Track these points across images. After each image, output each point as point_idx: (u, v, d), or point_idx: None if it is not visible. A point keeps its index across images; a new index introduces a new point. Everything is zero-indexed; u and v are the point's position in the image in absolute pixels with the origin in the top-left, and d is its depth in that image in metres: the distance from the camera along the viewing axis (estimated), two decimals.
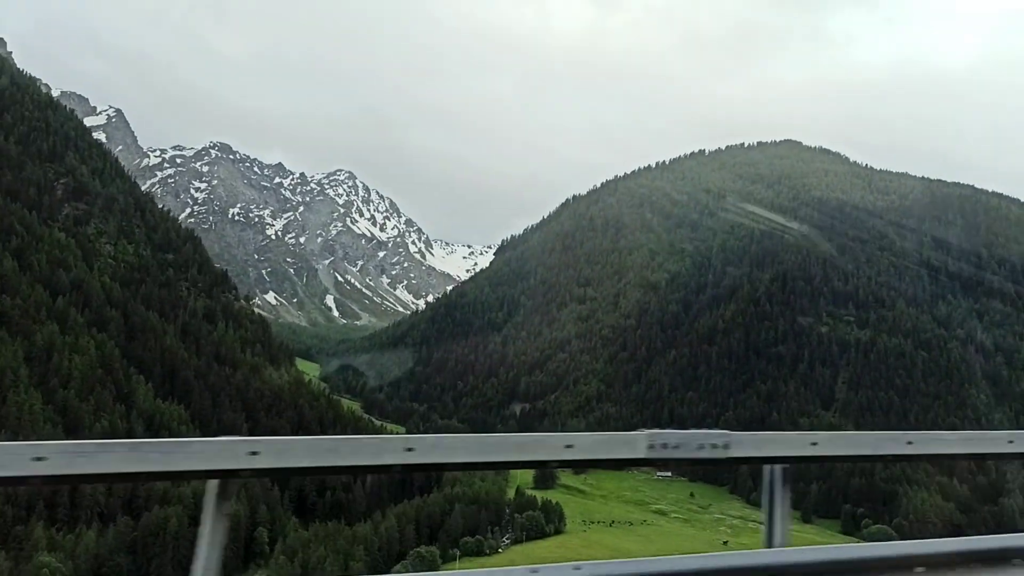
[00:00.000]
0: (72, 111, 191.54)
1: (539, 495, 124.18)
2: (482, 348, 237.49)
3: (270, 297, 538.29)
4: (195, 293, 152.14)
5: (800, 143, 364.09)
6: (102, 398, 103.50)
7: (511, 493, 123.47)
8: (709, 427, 3.93)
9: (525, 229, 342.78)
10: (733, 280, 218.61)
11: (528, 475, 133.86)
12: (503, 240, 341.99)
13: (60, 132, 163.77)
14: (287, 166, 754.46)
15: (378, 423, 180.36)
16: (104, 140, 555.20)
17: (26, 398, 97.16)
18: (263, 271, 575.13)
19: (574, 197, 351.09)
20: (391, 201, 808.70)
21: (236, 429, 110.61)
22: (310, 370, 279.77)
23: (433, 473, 66.10)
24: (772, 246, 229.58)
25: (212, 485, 3.25)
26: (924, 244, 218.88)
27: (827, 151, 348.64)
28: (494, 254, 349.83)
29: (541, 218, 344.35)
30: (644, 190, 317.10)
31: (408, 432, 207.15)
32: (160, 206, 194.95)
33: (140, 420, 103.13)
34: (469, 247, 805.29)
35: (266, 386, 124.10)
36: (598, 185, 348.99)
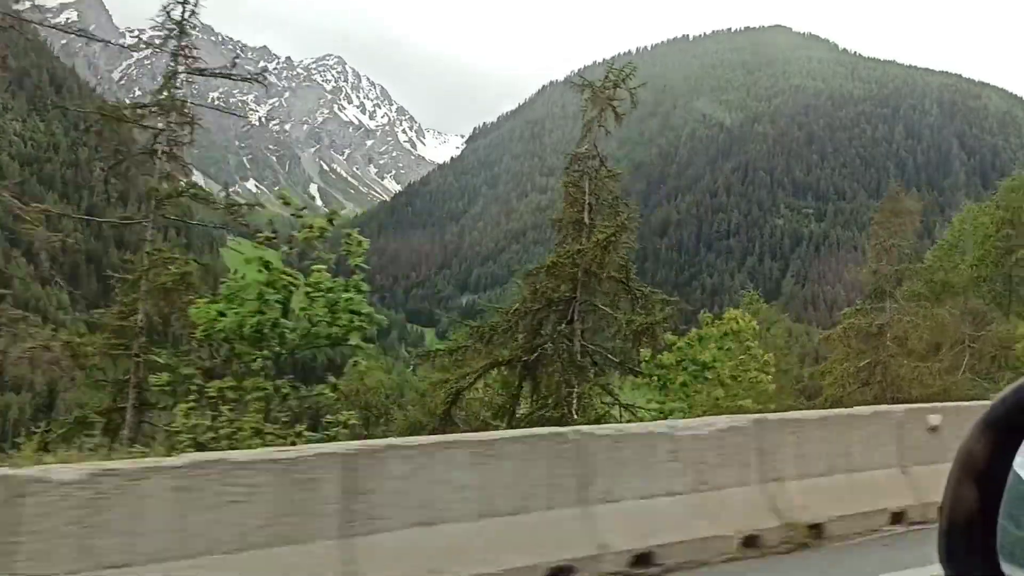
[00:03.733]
0: None
1: None
2: (439, 238, 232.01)
3: (250, 185, 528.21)
4: (107, 175, 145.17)
5: (790, 29, 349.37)
6: None
7: None
8: None
9: (499, 116, 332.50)
10: (696, 171, 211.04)
11: None
12: (475, 128, 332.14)
13: None
14: (273, 50, 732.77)
15: None
16: (76, 18, 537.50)
17: None
18: (244, 158, 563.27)
19: (551, 83, 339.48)
20: (382, 88, 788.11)
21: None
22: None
23: None
24: (740, 135, 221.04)
25: None
26: (895, 134, 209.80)
27: (816, 37, 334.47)
28: (465, 142, 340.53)
29: (517, 104, 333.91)
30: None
31: None
32: (88, 84, 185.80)
33: (13, 302, 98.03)
34: (463, 136, 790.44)
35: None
36: (575, 71, 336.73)
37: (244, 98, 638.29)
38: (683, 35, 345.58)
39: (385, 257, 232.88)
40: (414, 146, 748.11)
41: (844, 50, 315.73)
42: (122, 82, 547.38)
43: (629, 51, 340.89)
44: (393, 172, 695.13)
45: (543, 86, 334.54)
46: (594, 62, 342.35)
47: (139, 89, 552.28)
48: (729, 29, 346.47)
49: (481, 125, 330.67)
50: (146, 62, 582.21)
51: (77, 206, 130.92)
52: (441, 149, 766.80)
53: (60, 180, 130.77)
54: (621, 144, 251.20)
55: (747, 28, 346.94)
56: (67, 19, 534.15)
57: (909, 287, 31.30)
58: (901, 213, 31.43)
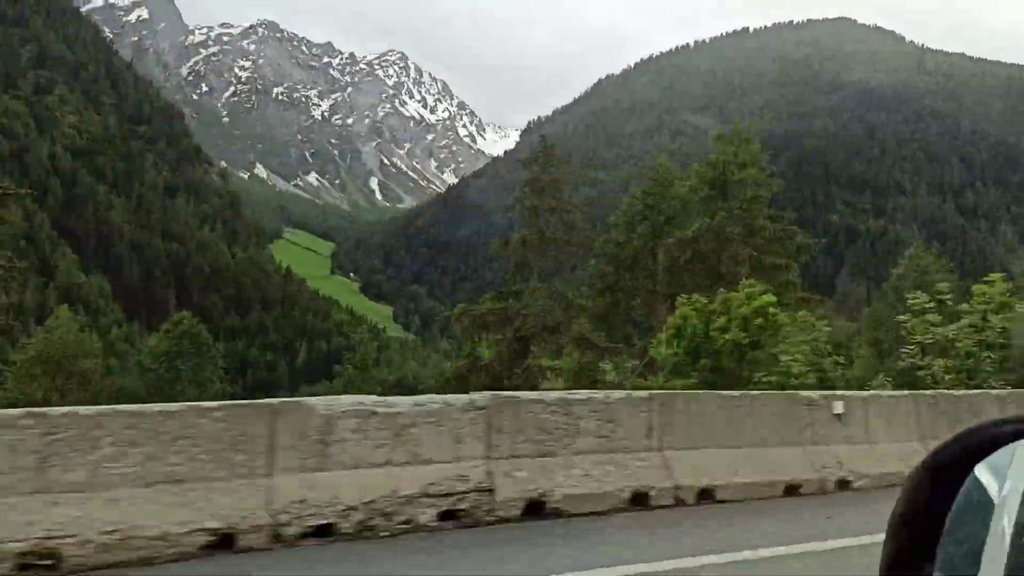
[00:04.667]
0: None
1: None
2: (487, 232, 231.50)
3: (311, 178, 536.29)
4: (161, 167, 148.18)
5: (855, 21, 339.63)
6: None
7: None
8: None
9: (553, 110, 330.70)
10: None
11: None
12: (529, 122, 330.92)
13: None
14: (337, 46, 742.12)
15: (369, 303, 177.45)
16: (146, 15, 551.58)
17: None
18: (306, 152, 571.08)
19: (607, 76, 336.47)
20: (444, 83, 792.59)
21: (163, 303, 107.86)
22: (325, 249, 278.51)
23: None
24: (798, 129, 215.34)
25: None
26: (961, 128, 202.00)
27: (881, 29, 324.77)
28: (519, 136, 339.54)
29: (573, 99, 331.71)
30: (675, 70, 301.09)
31: (394, 314, 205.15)
32: (202, 86, 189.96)
33: (56, 292, 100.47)
34: (520, 131, 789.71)
35: (204, 260, 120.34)
36: (632, 65, 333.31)
37: (308, 93, 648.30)
38: (743, 28, 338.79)
39: (435, 248, 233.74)
40: (474, 140, 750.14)
41: (911, 42, 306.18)
42: (189, 77, 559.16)
43: (687, 44, 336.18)
44: (452, 166, 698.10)
45: (598, 79, 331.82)
46: (651, 55, 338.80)
47: (205, 85, 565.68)
48: (791, 22, 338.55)
49: (536, 119, 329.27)
50: (212, 58, 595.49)
51: (128, 197, 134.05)
52: (501, 143, 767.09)
53: (111, 171, 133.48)
54: (674, 136, 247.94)
55: (809, 20, 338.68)
56: (138, 16, 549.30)
57: None
58: None
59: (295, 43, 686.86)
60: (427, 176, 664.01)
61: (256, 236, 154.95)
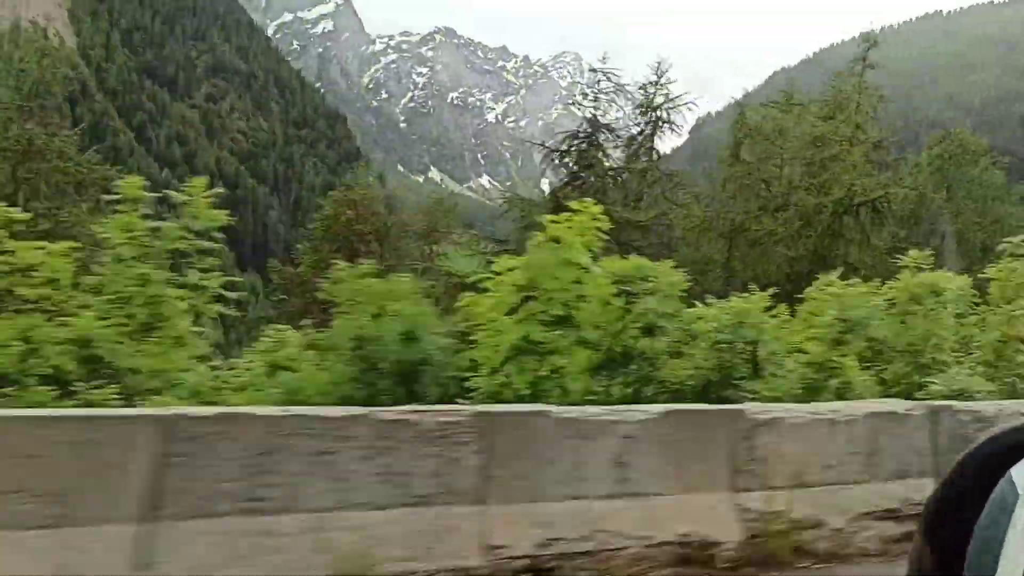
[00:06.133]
0: None
1: None
2: None
3: (484, 180, 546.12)
4: (320, 169, 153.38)
5: None
6: None
7: None
8: None
9: (725, 105, 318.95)
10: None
11: None
12: (698, 119, 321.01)
13: (208, 10, 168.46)
14: (511, 49, 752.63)
15: None
16: (332, 28, 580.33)
17: None
18: (479, 155, 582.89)
19: (782, 69, 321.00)
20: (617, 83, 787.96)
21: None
22: None
23: None
24: (990, 117, 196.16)
25: None
26: None
27: None
28: (688, 133, 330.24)
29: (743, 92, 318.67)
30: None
31: None
32: (381, 93, 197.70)
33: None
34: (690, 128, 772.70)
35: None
36: (810, 56, 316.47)
37: (482, 97, 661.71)
38: (935, 11, 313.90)
39: None
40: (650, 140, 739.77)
41: None
42: (370, 85, 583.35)
43: (872, 31, 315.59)
44: None
45: (773, 72, 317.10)
46: (831, 44, 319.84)
47: (384, 91, 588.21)
48: (991, 1, 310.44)
49: (705, 115, 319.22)
50: (392, 66, 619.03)
51: (286, 197, 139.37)
52: (677, 143, 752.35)
53: (272, 174, 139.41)
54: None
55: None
56: (323, 28, 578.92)
57: None
58: None
59: (471, 48, 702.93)
60: None
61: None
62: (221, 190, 8.80)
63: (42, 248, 7.71)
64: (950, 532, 1.12)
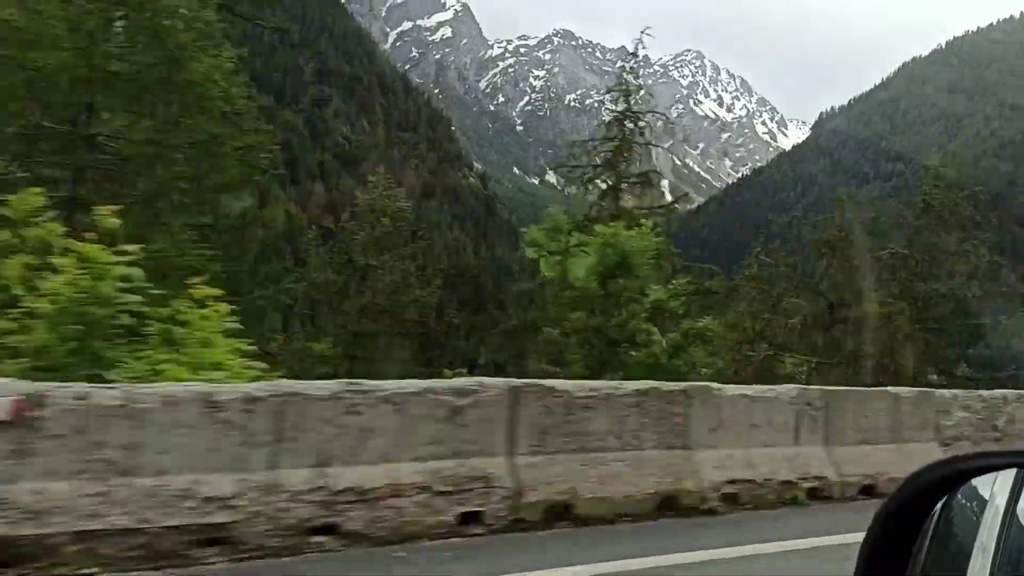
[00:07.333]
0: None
1: None
2: (762, 230, 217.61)
3: (601, 183, 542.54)
4: (421, 171, 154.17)
5: None
6: (272, 272, 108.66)
7: None
8: None
9: (849, 100, 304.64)
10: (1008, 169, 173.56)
11: None
12: (821, 112, 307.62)
13: (315, 18, 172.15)
14: (631, 49, 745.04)
15: None
16: (450, 34, 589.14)
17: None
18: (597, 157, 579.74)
19: (913, 60, 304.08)
20: (742, 80, 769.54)
21: None
22: None
23: None
24: None
25: None
26: None
27: None
28: (811, 128, 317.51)
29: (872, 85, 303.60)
30: (996, 46, 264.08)
31: None
32: (498, 97, 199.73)
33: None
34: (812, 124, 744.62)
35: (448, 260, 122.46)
36: (943, 45, 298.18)
37: (601, 98, 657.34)
38: None
39: (707, 249, 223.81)
40: (774, 137, 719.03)
41: None
42: (487, 90, 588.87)
43: (1011, 16, 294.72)
44: (749, 165, 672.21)
45: (903, 63, 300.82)
46: (966, 32, 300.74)
47: (502, 95, 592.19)
48: None
49: (829, 109, 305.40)
50: (509, 70, 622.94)
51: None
52: (800, 136, 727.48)
53: (371, 176, 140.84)
54: (988, 121, 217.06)
55: None
56: (442, 35, 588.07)
57: None
58: None
59: (589, 49, 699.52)
60: (721, 176, 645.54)
61: (507, 234, 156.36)
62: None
63: None
64: (887, 562, 1.16)
